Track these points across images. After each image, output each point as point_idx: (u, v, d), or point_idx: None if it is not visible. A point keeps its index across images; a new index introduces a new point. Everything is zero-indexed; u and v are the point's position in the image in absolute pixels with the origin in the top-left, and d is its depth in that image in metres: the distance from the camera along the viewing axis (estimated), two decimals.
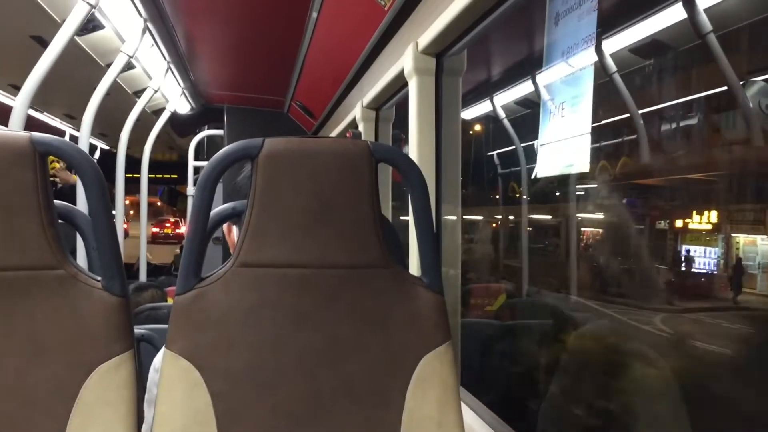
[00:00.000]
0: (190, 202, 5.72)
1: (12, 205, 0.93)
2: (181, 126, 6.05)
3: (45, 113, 5.55)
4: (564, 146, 1.42)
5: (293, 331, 0.97)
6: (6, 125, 2.29)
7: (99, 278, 0.98)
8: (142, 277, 4.97)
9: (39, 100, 2.24)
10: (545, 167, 1.50)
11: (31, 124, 2.06)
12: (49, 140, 0.95)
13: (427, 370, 0.99)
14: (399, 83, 2.41)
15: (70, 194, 3.23)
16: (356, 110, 3.22)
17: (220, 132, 5.67)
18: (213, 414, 0.94)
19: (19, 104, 2.16)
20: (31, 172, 0.93)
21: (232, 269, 0.97)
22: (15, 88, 4.01)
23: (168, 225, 23.96)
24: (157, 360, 1.36)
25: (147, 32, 3.16)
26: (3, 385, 0.93)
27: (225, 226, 1.29)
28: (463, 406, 1.23)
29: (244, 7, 3.08)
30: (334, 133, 4.20)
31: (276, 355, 0.96)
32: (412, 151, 2.03)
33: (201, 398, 0.95)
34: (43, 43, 2.62)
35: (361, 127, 3.19)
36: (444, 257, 2.06)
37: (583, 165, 1.36)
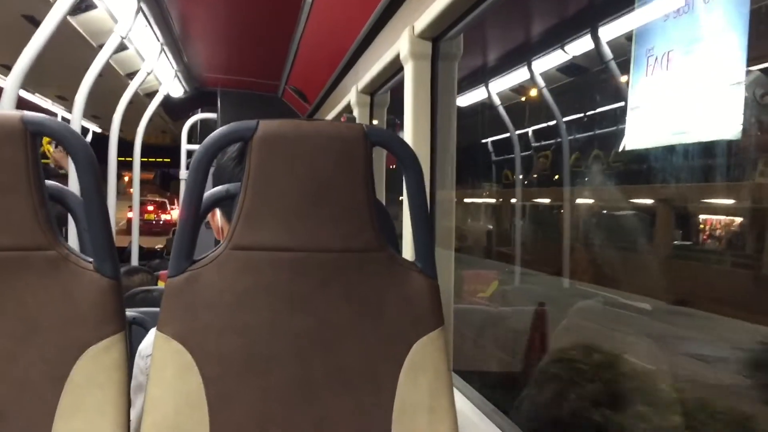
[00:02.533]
0: (182, 185, 5.70)
1: (2, 184, 0.92)
2: (174, 109, 6.02)
3: (37, 94, 5.51)
4: (672, 107, 1.10)
5: (286, 315, 0.96)
6: None
7: (90, 260, 0.98)
8: (134, 260, 4.96)
9: (31, 81, 2.21)
10: (638, 137, 1.20)
11: (23, 105, 2.04)
12: (40, 120, 0.94)
13: (419, 355, 0.99)
14: (394, 68, 2.39)
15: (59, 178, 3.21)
16: (351, 95, 3.20)
17: (213, 115, 5.64)
18: (204, 397, 0.94)
19: (10, 85, 2.14)
20: (22, 152, 0.92)
21: (225, 252, 0.96)
22: (6, 68, 3.97)
23: (150, 208, 18.23)
24: (142, 346, 1.35)
25: (140, 13, 3.13)
26: None
27: None
28: (456, 392, 1.23)
29: None
30: (328, 118, 4.19)
31: (268, 339, 0.96)
32: (408, 135, 2.02)
33: (193, 381, 0.94)
34: (35, 23, 2.60)
35: (355, 112, 3.17)
36: (438, 242, 2.06)
37: (718, 129, 1.01)
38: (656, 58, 1.14)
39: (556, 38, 2.85)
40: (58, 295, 0.95)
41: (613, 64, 2.36)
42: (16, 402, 0.92)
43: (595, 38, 2.52)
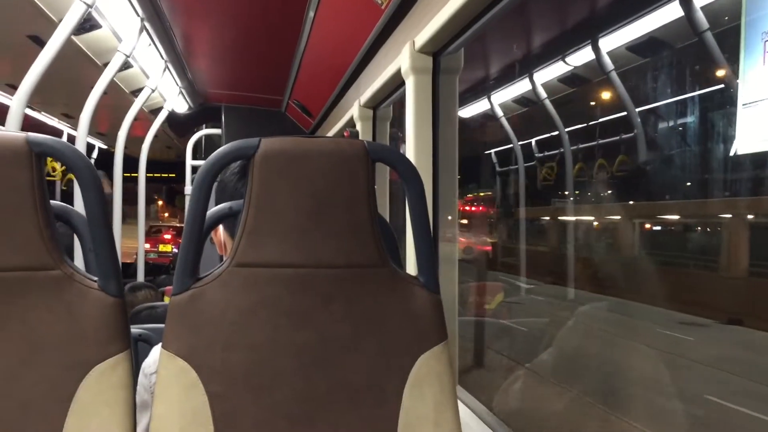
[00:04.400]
0: (187, 201, 5.71)
1: (8, 205, 0.93)
2: (178, 125, 6.05)
3: (43, 113, 5.54)
4: None
5: (290, 331, 0.97)
6: (3, 125, 2.29)
7: (95, 279, 0.98)
8: (140, 276, 4.97)
9: (37, 100, 2.24)
10: (757, 138, 1.03)
11: (29, 123, 2.05)
12: (44, 140, 0.95)
13: (423, 369, 0.99)
14: (396, 82, 2.41)
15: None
16: (354, 109, 3.22)
17: (218, 131, 5.67)
18: (210, 414, 0.94)
19: (16, 104, 2.16)
20: (27, 173, 0.93)
21: (229, 269, 0.97)
22: (12, 88, 4.00)
23: (168, 237, 13.46)
24: (146, 364, 1.36)
25: (144, 31, 3.16)
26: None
27: None
28: (461, 406, 1.23)
29: (241, 6, 3.08)
30: (332, 132, 4.20)
31: (272, 356, 0.96)
32: (409, 150, 2.03)
33: (198, 398, 0.95)
34: (40, 43, 2.62)
35: (358, 126, 3.19)
36: (441, 257, 2.07)
37: None
38: None
39: (557, 49, 2.87)
40: (63, 315, 0.95)
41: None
42: (21, 423, 0.93)
43: (596, 49, 2.53)
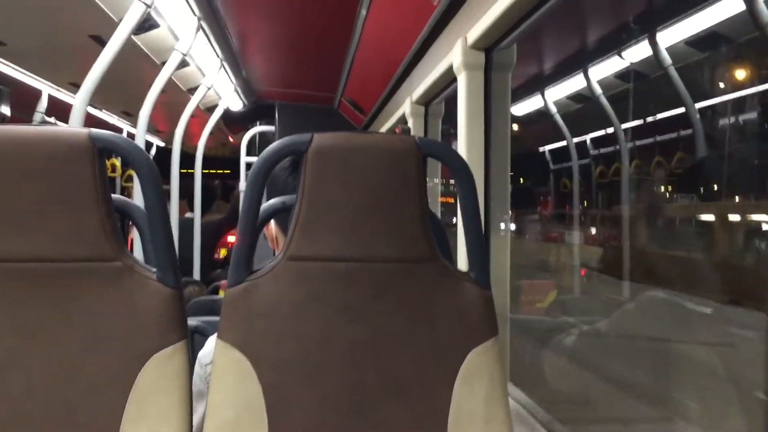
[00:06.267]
0: (242, 197, 5.79)
1: (72, 198, 0.97)
2: (233, 122, 6.14)
3: (103, 111, 5.70)
4: None
5: (341, 324, 0.98)
6: (66, 122, 2.36)
7: (154, 270, 1.01)
8: (196, 273, 5.06)
9: (97, 98, 2.30)
10: None
11: (91, 121, 2.12)
12: (106, 136, 0.98)
13: (474, 364, 0.99)
14: (448, 78, 2.40)
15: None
16: (406, 106, 3.23)
17: (271, 128, 5.73)
18: (264, 403, 0.96)
19: (79, 102, 2.23)
20: (89, 167, 0.97)
21: (282, 263, 0.99)
22: (74, 86, 4.13)
23: (232, 239, 7.30)
24: (202, 354, 1.39)
25: (201, 30, 3.22)
26: (62, 373, 0.97)
27: None
28: (512, 402, 1.22)
29: (295, 4, 3.11)
30: (383, 129, 4.22)
31: (324, 348, 0.98)
32: (461, 146, 2.02)
33: (252, 388, 0.97)
34: (101, 43, 2.70)
35: (410, 123, 3.19)
36: (492, 253, 2.06)
37: None
38: None
39: (614, 44, 2.81)
40: (123, 305, 0.99)
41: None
42: (85, 408, 0.96)
43: (654, 43, 2.47)
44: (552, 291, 3.42)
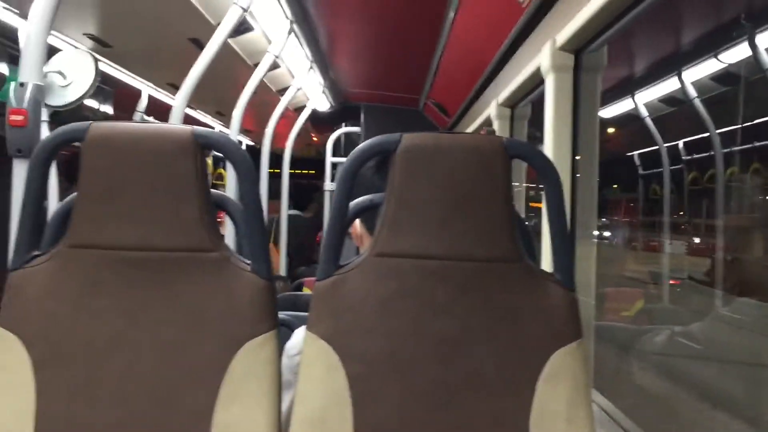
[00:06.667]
0: (327, 196, 5.90)
1: (176, 192, 1.03)
2: (319, 123, 6.26)
3: (198, 110, 5.92)
4: None
5: (427, 320, 1.00)
6: (163, 121, 2.49)
7: (248, 262, 1.06)
8: (282, 269, 5.19)
9: (194, 98, 2.41)
10: None
11: (187, 120, 2.23)
12: (208, 134, 1.04)
13: (557, 365, 0.99)
14: (535, 81, 2.39)
15: None
16: (491, 108, 3.22)
17: (356, 129, 5.81)
18: (349, 394, 0.99)
19: (179, 102, 2.35)
20: (192, 163, 1.03)
21: (369, 258, 1.02)
22: (172, 87, 4.32)
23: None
24: (289, 346, 1.43)
25: (292, 33, 3.31)
26: (164, 355, 1.03)
27: None
28: (594, 407, 1.21)
29: (384, 6, 3.15)
30: (468, 131, 4.21)
31: (410, 342, 1.00)
32: (548, 148, 2.01)
33: (339, 379, 1.00)
34: (199, 45, 2.82)
35: (495, 125, 3.18)
36: (578, 260, 2.03)
37: None
38: None
39: (709, 46, 2.72)
40: (220, 293, 1.04)
41: None
42: (184, 388, 1.02)
43: (752, 45, 2.38)
44: (639, 299, 3.33)
